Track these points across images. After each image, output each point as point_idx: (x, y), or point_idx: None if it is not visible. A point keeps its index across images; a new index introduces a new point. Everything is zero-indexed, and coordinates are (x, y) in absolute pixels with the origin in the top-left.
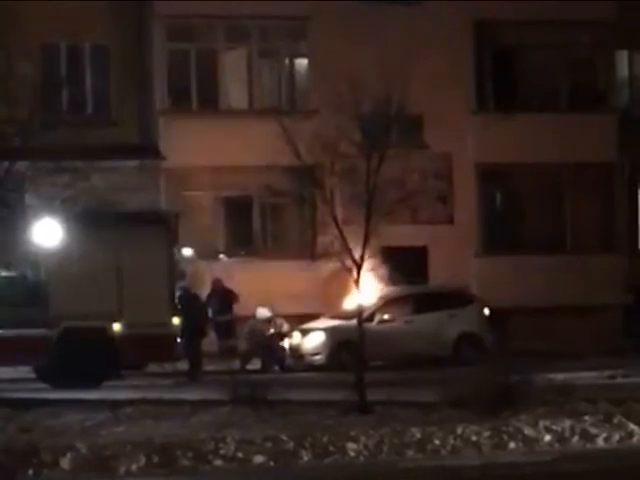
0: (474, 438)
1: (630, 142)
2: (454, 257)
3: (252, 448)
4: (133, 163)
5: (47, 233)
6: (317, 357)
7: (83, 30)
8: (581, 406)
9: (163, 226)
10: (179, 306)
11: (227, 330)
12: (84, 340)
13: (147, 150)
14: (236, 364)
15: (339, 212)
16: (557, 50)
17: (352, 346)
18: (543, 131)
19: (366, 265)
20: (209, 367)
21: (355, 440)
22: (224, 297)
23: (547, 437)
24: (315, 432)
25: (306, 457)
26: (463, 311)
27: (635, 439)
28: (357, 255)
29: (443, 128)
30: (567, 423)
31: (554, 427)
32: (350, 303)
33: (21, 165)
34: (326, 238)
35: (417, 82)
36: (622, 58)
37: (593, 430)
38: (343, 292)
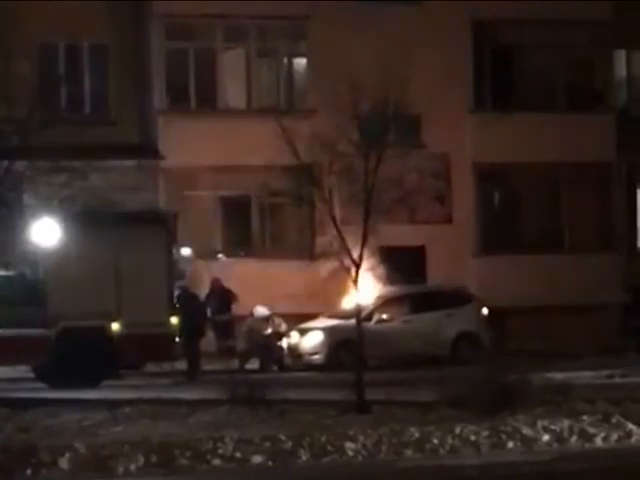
0: (472, 438)
1: (628, 141)
2: (452, 256)
3: (250, 448)
4: (131, 162)
5: (46, 232)
6: (315, 357)
7: (82, 29)
8: (579, 406)
9: (162, 226)
10: (178, 306)
11: (226, 330)
12: (83, 340)
13: (146, 149)
14: (235, 364)
15: (337, 212)
16: (555, 50)
17: (350, 346)
18: (541, 130)
19: (364, 265)
20: (207, 367)
21: (353, 440)
22: (223, 297)
23: (545, 437)
24: (313, 432)
25: (304, 457)
26: (461, 310)
27: (633, 439)
28: (355, 255)
29: (441, 128)
30: (565, 423)
31: (552, 427)
32: (348, 303)
33: (20, 164)
34: (324, 238)
35: (415, 82)
36: (620, 58)
37: (591, 430)
38: (341, 292)
